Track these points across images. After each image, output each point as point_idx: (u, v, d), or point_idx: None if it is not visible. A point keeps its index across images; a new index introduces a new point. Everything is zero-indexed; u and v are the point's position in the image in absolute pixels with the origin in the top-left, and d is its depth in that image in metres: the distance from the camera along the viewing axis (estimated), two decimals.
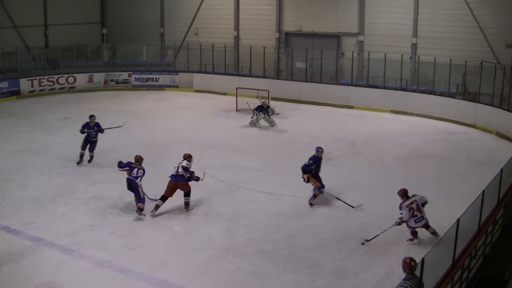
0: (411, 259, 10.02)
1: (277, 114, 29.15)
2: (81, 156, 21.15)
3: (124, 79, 36.98)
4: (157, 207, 16.23)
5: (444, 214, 15.23)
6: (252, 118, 27.43)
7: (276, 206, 17.00)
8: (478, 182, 16.82)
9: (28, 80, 33.99)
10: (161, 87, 36.70)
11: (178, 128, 26.24)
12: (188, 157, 16.85)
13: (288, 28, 36.11)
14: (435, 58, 28.80)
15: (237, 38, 37.72)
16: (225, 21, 37.89)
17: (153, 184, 17.99)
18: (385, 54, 30.38)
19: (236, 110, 29.81)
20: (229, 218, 16.07)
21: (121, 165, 16.66)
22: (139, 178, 16.32)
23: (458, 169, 20.66)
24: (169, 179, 16.50)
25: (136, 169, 16.43)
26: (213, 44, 35.98)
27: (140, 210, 15.90)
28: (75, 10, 40.21)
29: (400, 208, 14.41)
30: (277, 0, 35.88)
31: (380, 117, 29.24)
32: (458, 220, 10.83)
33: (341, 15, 33.87)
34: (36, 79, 34.34)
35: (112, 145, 23.54)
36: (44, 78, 34.68)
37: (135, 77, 37.05)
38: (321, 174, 17.41)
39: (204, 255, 13.77)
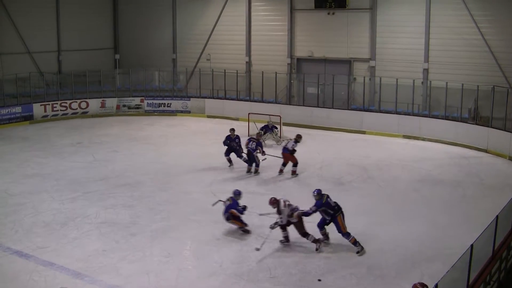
0: (422, 285, 9.95)
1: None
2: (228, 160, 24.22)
3: (136, 105, 37.15)
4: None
5: (457, 239, 15.15)
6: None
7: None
8: (492, 207, 16.76)
9: (41, 105, 34.23)
10: (173, 113, 36.82)
11: (190, 153, 26.26)
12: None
13: (300, 54, 36.23)
14: (446, 83, 28.78)
15: (249, 63, 37.86)
16: (237, 47, 38.08)
17: (163, 209, 18.04)
18: (397, 79, 30.38)
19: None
20: (240, 243, 16.02)
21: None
22: None
23: (471, 194, 20.54)
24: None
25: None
26: (225, 70, 36.14)
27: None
28: (88, 36, 40.55)
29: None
30: (288, 25, 36.03)
31: (392, 142, 29.17)
32: (471, 246, 10.74)
33: (353, 41, 33.96)
34: (49, 104, 34.58)
35: (124, 170, 23.65)
36: (57, 103, 34.91)
37: (147, 103, 37.21)
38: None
39: (216, 281, 13.72)
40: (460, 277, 10.91)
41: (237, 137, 24.09)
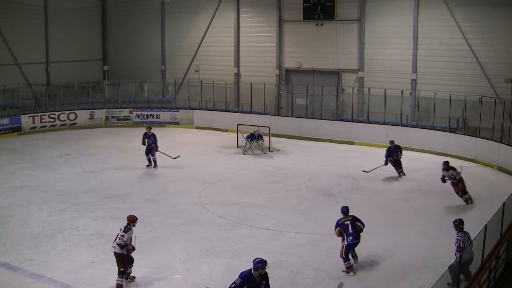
0: None
1: (278, 150, 29.26)
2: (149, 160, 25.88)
3: (125, 116, 37.10)
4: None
5: (447, 249, 15.14)
6: (245, 146, 28.70)
7: (278, 242, 16.91)
8: (480, 217, 16.82)
9: (29, 116, 34.13)
10: (162, 124, 36.77)
11: (179, 165, 26.20)
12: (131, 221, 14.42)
13: (288, 65, 36.32)
14: (435, 93, 28.94)
15: (237, 75, 37.92)
16: (225, 58, 38.12)
17: (153, 221, 18.00)
18: (385, 90, 30.50)
19: (237, 147, 29.82)
20: (230, 255, 15.97)
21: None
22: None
23: (460, 204, 20.59)
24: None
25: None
26: (213, 81, 36.19)
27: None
28: (77, 48, 40.50)
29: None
30: (277, 37, 36.13)
31: (381, 153, 29.09)
32: (460, 256, 10.77)
33: (341, 52, 34.08)
34: (37, 116, 34.49)
35: (113, 182, 23.59)
36: (45, 115, 34.83)
37: (136, 114, 37.17)
38: (321, 209, 17.43)
39: None
40: (450, 287, 10.94)
41: (153, 134, 25.89)
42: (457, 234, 13.52)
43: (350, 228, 15.01)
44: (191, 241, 17.08)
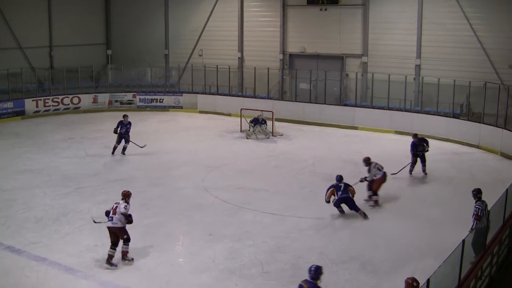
0: (413, 280, 9.97)
1: (281, 135, 29.27)
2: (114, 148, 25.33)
3: (128, 100, 37.08)
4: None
5: (449, 235, 15.19)
6: (248, 130, 28.75)
7: (281, 227, 16.94)
8: None
9: (33, 100, 34.15)
10: (165, 108, 36.77)
11: (182, 149, 26.23)
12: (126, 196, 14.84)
13: (292, 50, 36.24)
14: (439, 79, 28.84)
15: (241, 59, 37.84)
16: (229, 43, 38.05)
17: (156, 205, 18.05)
18: (389, 75, 30.44)
19: (241, 131, 29.80)
20: (233, 239, 16.01)
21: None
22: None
23: (463, 190, 20.47)
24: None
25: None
26: (217, 66, 36.13)
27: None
28: (80, 32, 40.39)
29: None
30: (281, 21, 36.02)
31: (385, 138, 29.24)
32: (463, 241, 10.78)
33: (345, 37, 33.98)
34: (41, 100, 34.50)
35: (116, 166, 23.64)
36: (48, 99, 34.83)
37: (139, 98, 37.15)
38: (324, 194, 17.49)
39: (209, 277, 13.72)
40: (451, 272, 10.94)
41: (129, 123, 25.43)
42: (475, 203, 14.30)
43: (342, 188, 17.42)
44: (194, 225, 17.13)
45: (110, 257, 14.17)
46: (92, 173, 22.48)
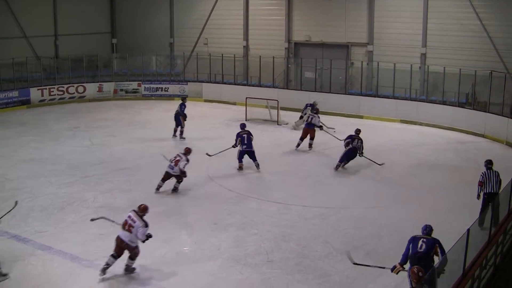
0: (419, 269, 9.99)
1: (286, 124, 29.24)
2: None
3: (133, 89, 37.09)
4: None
5: (454, 224, 15.19)
6: (298, 120, 28.82)
7: (285, 215, 16.96)
8: None
9: (38, 89, 34.16)
10: (170, 97, 36.74)
11: (188, 137, 26.22)
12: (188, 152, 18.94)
13: (297, 38, 36.16)
14: (444, 68, 28.78)
15: (246, 48, 37.78)
16: (234, 31, 37.99)
17: (160, 193, 18.13)
18: (394, 64, 30.35)
19: (246, 120, 29.77)
20: (238, 227, 16.05)
21: None
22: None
23: (468, 179, 20.51)
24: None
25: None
26: (222, 54, 36.08)
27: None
28: (85, 20, 40.36)
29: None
30: (286, 10, 35.94)
31: (390, 127, 29.19)
32: (468, 230, 10.77)
33: (350, 25, 33.87)
34: (46, 89, 34.51)
35: (122, 154, 23.65)
36: (54, 88, 34.84)
37: (144, 87, 37.15)
38: (329, 183, 17.47)
39: (213, 265, 13.76)
40: (456, 262, 10.95)
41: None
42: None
43: (245, 140, 21.29)
44: (199, 213, 17.17)
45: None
46: (97, 162, 22.51)
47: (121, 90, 36.93)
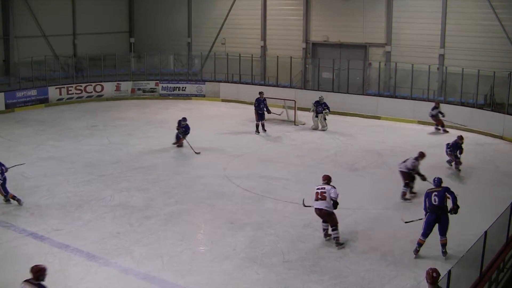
0: (434, 270, 9.94)
1: (303, 124, 29.19)
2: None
3: (151, 88, 37.22)
4: None
5: (471, 226, 15.11)
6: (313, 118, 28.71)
7: (302, 216, 16.90)
8: (507, 194, 16.72)
9: (56, 88, 34.38)
10: (188, 97, 36.85)
11: (205, 137, 26.26)
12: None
13: (315, 38, 36.11)
14: (462, 69, 28.60)
15: (264, 48, 37.78)
16: (252, 31, 38.00)
17: (177, 192, 18.15)
18: (412, 65, 30.23)
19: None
20: (254, 227, 16.04)
21: None
22: None
23: (486, 181, 20.46)
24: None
25: None
26: (240, 54, 36.11)
27: None
28: (103, 20, 40.63)
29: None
30: (304, 10, 35.89)
31: (407, 128, 29.06)
32: (485, 232, 10.72)
33: (368, 26, 33.78)
34: (64, 88, 34.72)
35: (139, 153, 23.73)
36: (72, 87, 35.05)
37: (162, 86, 37.27)
38: (346, 184, 17.40)
39: (229, 265, 13.76)
40: (473, 264, 10.90)
41: (265, 99, 27.80)
42: None
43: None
44: (215, 213, 17.18)
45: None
46: (115, 161, 22.61)
47: (139, 89, 37.07)
